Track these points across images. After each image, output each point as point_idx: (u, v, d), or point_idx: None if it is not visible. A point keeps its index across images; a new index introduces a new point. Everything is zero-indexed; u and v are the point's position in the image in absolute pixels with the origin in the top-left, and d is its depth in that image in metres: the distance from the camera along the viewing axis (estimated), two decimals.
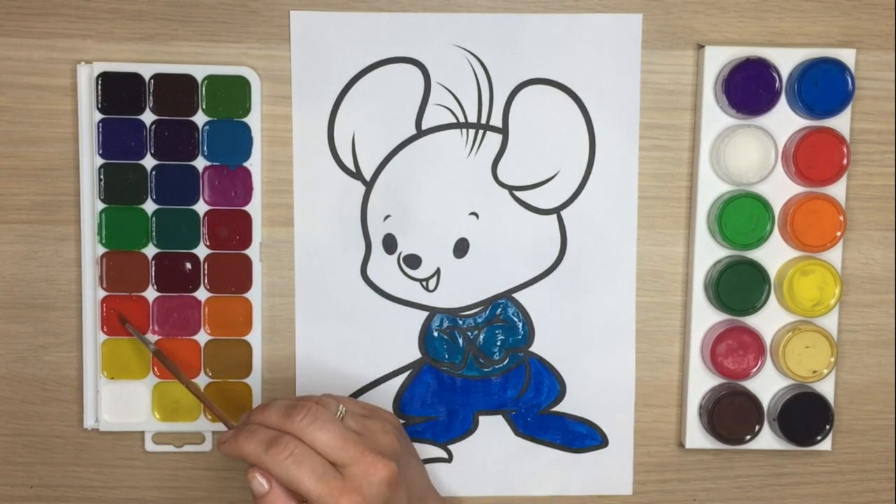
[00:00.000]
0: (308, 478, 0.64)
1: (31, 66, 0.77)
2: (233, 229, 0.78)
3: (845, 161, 0.76)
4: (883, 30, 0.78)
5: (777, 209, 0.77)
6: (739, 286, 0.77)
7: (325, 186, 0.78)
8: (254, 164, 0.77)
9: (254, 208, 0.78)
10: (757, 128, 0.76)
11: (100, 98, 0.76)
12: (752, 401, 0.78)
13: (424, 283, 0.79)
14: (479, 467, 0.81)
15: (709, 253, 0.78)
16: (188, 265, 0.78)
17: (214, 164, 0.77)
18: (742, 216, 0.76)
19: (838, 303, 0.77)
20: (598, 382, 0.80)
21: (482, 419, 0.80)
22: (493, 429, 0.80)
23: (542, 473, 0.81)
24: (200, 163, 0.77)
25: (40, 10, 0.76)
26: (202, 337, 0.78)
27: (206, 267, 0.78)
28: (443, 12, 0.77)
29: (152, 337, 0.78)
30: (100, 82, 0.76)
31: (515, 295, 0.79)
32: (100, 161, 0.77)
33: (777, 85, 0.76)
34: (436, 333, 0.79)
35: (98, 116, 0.76)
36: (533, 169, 0.78)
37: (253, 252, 0.78)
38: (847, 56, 0.77)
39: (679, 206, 0.79)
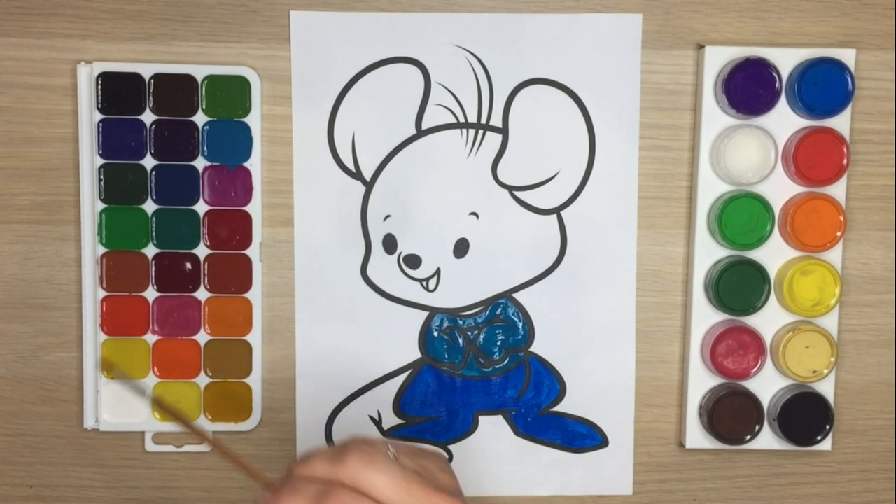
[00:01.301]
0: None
1: (31, 66, 0.77)
2: (233, 229, 0.78)
3: (845, 161, 0.76)
4: (883, 30, 0.78)
5: (777, 209, 0.77)
6: (739, 286, 0.77)
7: (325, 186, 0.78)
8: (254, 164, 0.77)
9: (254, 208, 0.78)
10: (757, 128, 0.76)
11: (100, 98, 0.76)
12: (752, 401, 0.78)
13: (424, 283, 0.79)
14: (479, 467, 0.81)
15: (709, 253, 0.78)
16: (188, 265, 0.78)
17: (214, 164, 0.77)
18: (742, 216, 0.76)
19: (838, 303, 0.77)
20: (598, 382, 0.80)
21: (482, 419, 0.80)
22: (493, 429, 0.80)
23: (542, 473, 0.81)
24: (200, 163, 0.77)
25: (40, 10, 0.76)
26: (202, 337, 0.79)
27: (206, 267, 0.78)
28: (443, 12, 0.77)
29: (151, 337, 0.78)
30: (100, 82, 0.76)
31: (515, 295, 0.79)
32: (100, 161, 0.77)
33: (777, 85, 0.76)
34: (436, 333, 0.79)
35: (98, 116, 0.76)
36: (533, 169, 0.78)
37: (253, 252, 0.78)
38: (847, 56, 0.77)
39: (679, 206, 0.79)
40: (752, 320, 0.78)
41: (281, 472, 0.80)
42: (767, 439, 0.79)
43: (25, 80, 0.77)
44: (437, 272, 0.79)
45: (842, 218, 0.77)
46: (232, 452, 0.62)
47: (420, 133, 0.78)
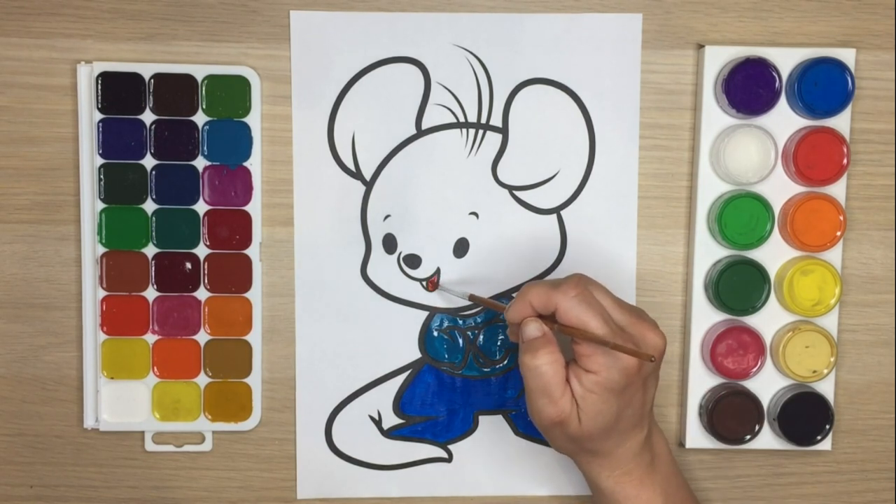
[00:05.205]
0: (595, 319, 0.66)
1: (31, 66, 0.77)
2: (233, 229, 0.78)
3: (845, 161, 0.76)
4: (883, 30, 0.78)
5: (777, 209, 0.77)
6: (739, 286, 0.77)
7: (325, 186, 0.78)
8: (254, 163, 0.77)
9: (254, 208, 0.78)
10: (757, 128, 0.76)
11: (100, 98, 0.76)
12: (752, 401, 0.78)
13: (424, 283, 0.79)
14: (479, 467, 0.80)
15: (709, 253, 0.78)
16: (188, 265, 0.78)
17: (214, 163, 0.77)
18: (742, 216, 0.76)
19: (838, 303, 0.77)
20: None
21: (482, 419, 0.80)
22: (493, 429, 0.80)
23: (542, 473, 0.81)
24: (200, 162, 0.77)
25: (40, 10, 0.76)
26: (202, 337, 0.78)
27: (206, 267, 0.78)
28: (443, 12, 0.77)
29: (151, 337, 0.78)
30: (100, 82, 0.76)
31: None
32: (100, 161, 0.77)
33: (777, 85, 0.76)
34: (436, 333, 0.79)
35: (98, 116, 0.76)
36: (533, 169, 0.78)
37: (253, 252, 0.78)
38: (847, 56, 0.77)
39: (679, 206, 0.79)
40: (752, 320, 0.78)
41: (281, 472, 0.81)
42: (767, 439, 0.79)
43: (25, 79, 0.77)
44: (437, 272, 0.79)
45: (842, 218, 0.76)
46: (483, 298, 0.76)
47: (420, 133, 0.78)
